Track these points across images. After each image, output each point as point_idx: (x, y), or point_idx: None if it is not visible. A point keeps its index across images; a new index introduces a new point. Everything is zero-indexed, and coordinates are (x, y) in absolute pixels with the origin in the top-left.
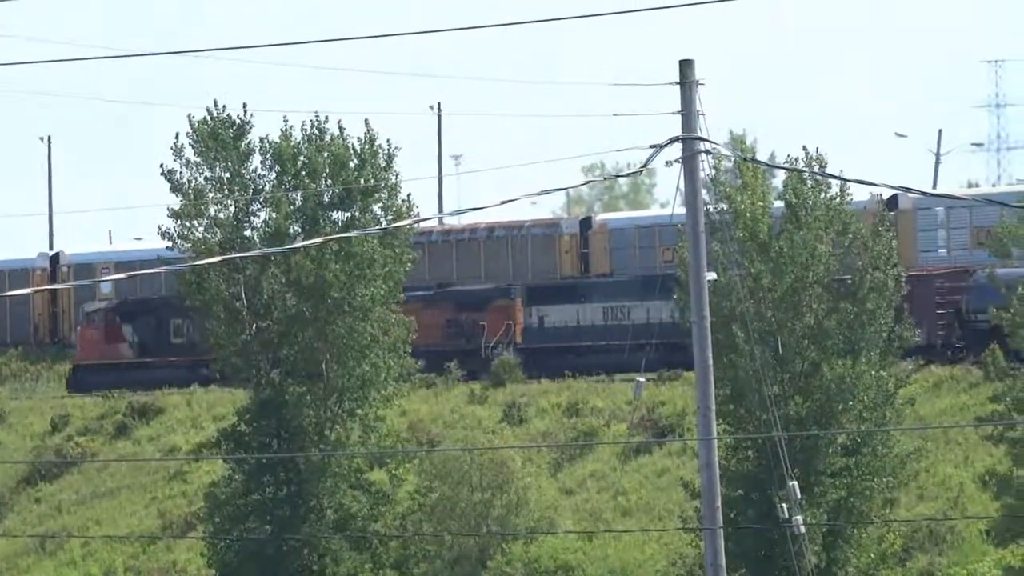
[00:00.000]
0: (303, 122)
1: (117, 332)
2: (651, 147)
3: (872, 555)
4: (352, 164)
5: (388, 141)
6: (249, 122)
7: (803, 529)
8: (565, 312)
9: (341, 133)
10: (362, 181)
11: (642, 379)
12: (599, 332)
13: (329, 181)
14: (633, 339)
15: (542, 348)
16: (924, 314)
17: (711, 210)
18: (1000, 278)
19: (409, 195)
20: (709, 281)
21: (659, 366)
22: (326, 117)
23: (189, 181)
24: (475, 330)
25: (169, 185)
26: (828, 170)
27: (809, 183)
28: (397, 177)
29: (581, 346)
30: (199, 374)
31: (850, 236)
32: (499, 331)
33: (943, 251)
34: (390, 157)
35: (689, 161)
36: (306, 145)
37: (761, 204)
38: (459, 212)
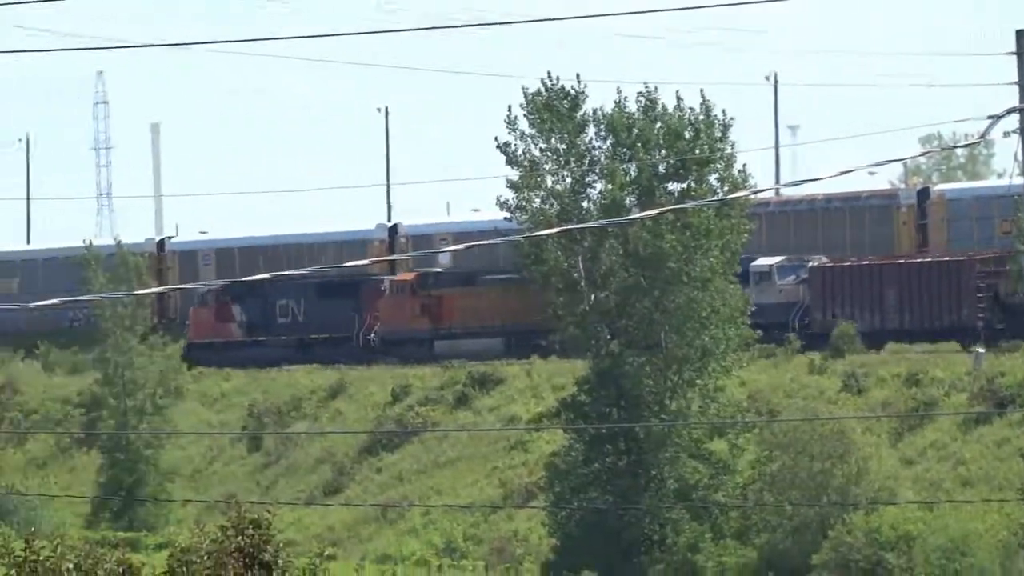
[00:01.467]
0: (637, 93)
1: (227, 312)
2: (988, 118)
3: None
4: (687, 135)
5: (723, 112)
6: (583, 93)
7: None
8: None
9: (678, 104)
10: (697, 152)
11: (981, 350)
12: None
13: (664, 152)
14: None
15: None
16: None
17: None
18: None
19: (745, 165)
20: None
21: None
22: (656, 87)
23: (524, 153)
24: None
25: (504, 157)
26: None
27: None
28: (733, 148)
29: None
30: (304, 353)
31: None
32: None
33: None
34: (725, 128)
35: None
36: (640, 116)
37: None
38: (796, 183)
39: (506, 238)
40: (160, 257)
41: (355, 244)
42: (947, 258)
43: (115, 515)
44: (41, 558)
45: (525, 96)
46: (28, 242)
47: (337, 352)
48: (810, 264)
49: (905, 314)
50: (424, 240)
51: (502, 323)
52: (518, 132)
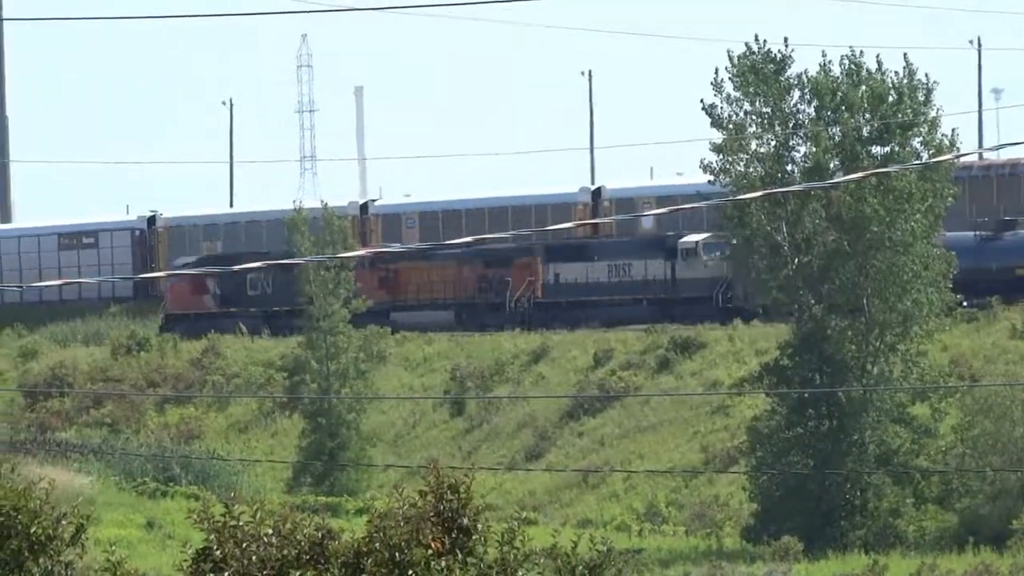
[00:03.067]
0: (841, 57)
1: (202, 285)
2: None
3: None
4: (890, 99)
5: (927, 75)
6: (789, 57)
7: None
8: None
9: (879, 68)
10: (900, 116)
11: None
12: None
13: (867, 116)
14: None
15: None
16: None
17: None
18: None
19: (954, 130)
20: None
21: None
22: (861, 51)
23: (730, 116)
24: (502, 286)
25: (710, 120)
26: None
27: None
28: (937, 112)
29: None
30: (272, 324)
31: None
32: (521, 286)
33: None
34: (929, 91)
35: None
36: (844, 80)
37: None
38: (999, 147)
39: (709, 201)
40: (364, 220)
41: (559, 207)
42: None
43: (316, 479)
44: (241, 523)
45: (731, 59)
46: (231, 205)
47: (300, 323)
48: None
49: None
50: (627, 204)
51: (454, 297)
52: (724, 95)
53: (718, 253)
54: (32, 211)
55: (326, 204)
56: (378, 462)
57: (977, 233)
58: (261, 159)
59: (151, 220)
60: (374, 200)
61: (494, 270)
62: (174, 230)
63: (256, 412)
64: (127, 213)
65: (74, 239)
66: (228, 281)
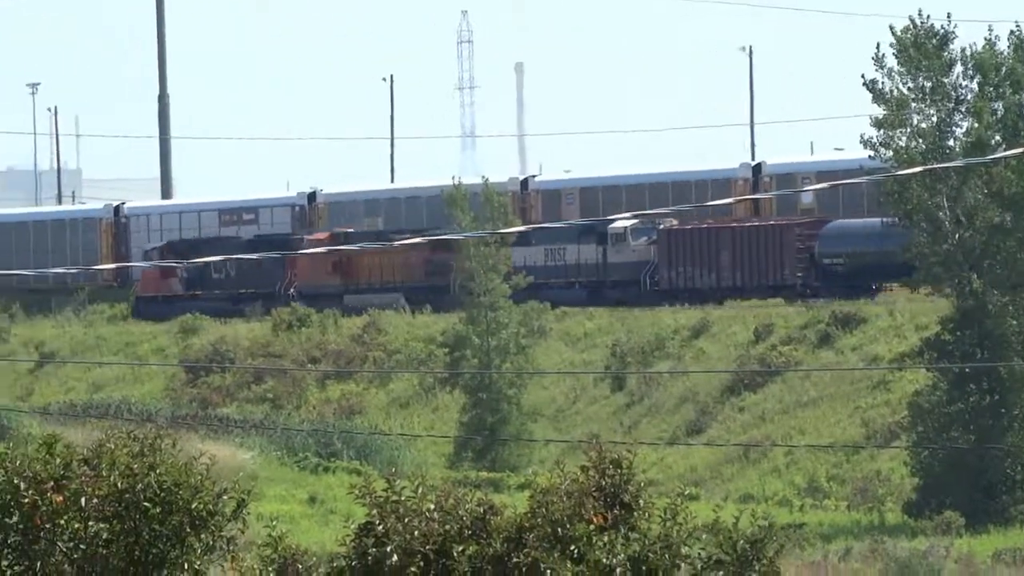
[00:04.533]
0: (1009, 32)
1: (170, 269)
2: None
3: None
4: None
5: None
6: (952, 32)
7: None
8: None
9: None
10: None
11: None
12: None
13: None
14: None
15: None
16: None
17: None
18: None
19: None
20: None
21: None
22: None
23: (891, 91)
24: (446, 269)
25: (871, 95)
26: None
27: None
28: None
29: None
30: (235, 307)
31: None
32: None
33: None
34: None
35: None
36: (1010, 55)
37: None
38: None
39: (870, 176)
40: (524, 196)
41: (719, 183)
42: None
43: (477, 455)
44: (403, 498)
45: (893, 34)
46: (392, 181)
47: (263, 305)
48: (660, 226)
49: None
50: (787, 179)
51: (403, 280)
52: (885, 70)
53: (645, 238)
54: (193, 187)
55: (486, 180)
56: (539, 437)
57: None
58: (421, 135)
59: (311, 196)
60: (534, 176)
61: (439, 254)
62: (334, 206)
63: (417, 388)
64: (287, 189)
65: (234, 215)
66: (193, 265)
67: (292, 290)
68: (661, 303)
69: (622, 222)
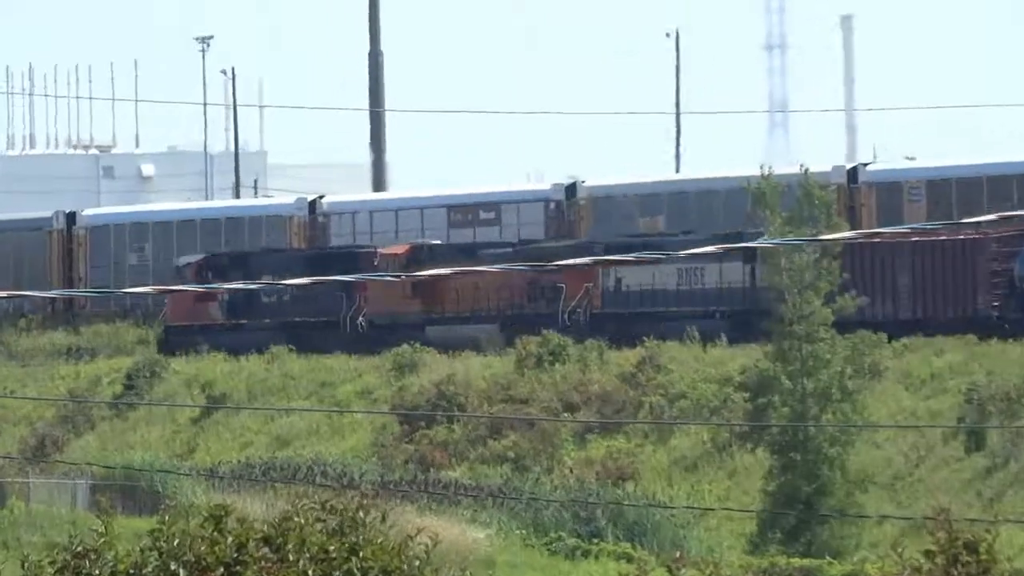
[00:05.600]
0: None
1: (208, 291)
2: None
3: None
4: None
5: None
6: None
7: None
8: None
9: None
10: None
11: None
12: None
13: None
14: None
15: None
16: None
17: None
18: None
19: None
20: None
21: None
22: None
23: None
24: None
25: None
26: None
27: None
28: None
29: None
30: (289, 338)
31: None
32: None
33: None
34: None
35: None
36: None
37: None
38: None
39: None
40: (852, 190)
41: None
42: None
43: (788, 535)
44: None
45: None
46: (676, 170)
47: (325, 338)
48: None
49: None
50: None
51: (501, 307)
52: None
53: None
54: (406, 178)
55: (805, 169)
56: (870, 512)
57: None
58: (715, 110)
59: (570, 189)
60: (866, 164)
61: (548, 276)
62: (600, 201)
63: (708, 444)
64: (533, 180)
65: (468, 213)
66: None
67: (361, 319)
68: None
69: None
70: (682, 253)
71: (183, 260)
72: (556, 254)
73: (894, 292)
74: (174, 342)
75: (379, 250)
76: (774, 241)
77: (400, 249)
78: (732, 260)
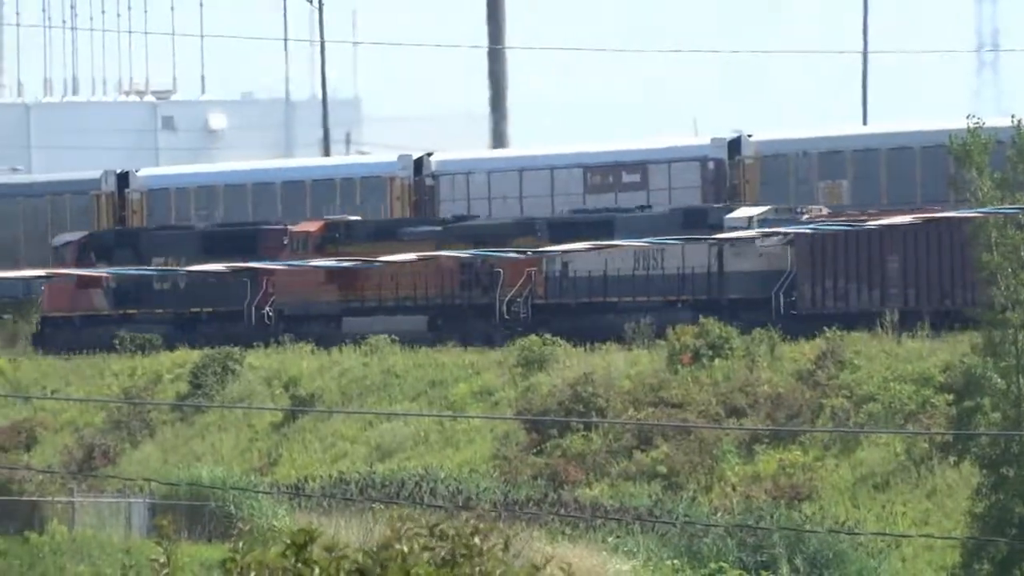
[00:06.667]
0: None
1: (92, 277)
2: None
3: None
4: None
5: None
6: None
7: None
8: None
9: None
10: None
11: None
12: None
13: None
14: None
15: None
16: None
17: None
18: None
19: None
20: None
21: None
22: None
23: None
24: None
25: None
26: None
27: None
28: None
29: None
30: (184, 331)
31: None
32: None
33: None
34: None
35: None
36: None
37: None
38: None
39: None
40: None
41: None
42: None
43: (1000, 565)
44: None
45: None
46: (864, 122)
47: (225, 330)
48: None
49: None
50: None
51: (429, 297)
52: None
53: (777, 238)
54: (535, 135)
55: (1019, 121)
56: None
57: None
58: (905, 49)
59: (733, 145)
60: None
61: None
62: (769, 161)
63: (902, 457)
64: (693, 135)
65: (608, 174)
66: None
67: (268, 308)
68: None
69: (744, 212)
70: (717, 237)
71: (61, 239)
72: (495, 234)
73: (882, 280)
74: (49, 337)
75: (289, 227)
76: (821, 228)
77: (313, 227)
78: (697, 243)
